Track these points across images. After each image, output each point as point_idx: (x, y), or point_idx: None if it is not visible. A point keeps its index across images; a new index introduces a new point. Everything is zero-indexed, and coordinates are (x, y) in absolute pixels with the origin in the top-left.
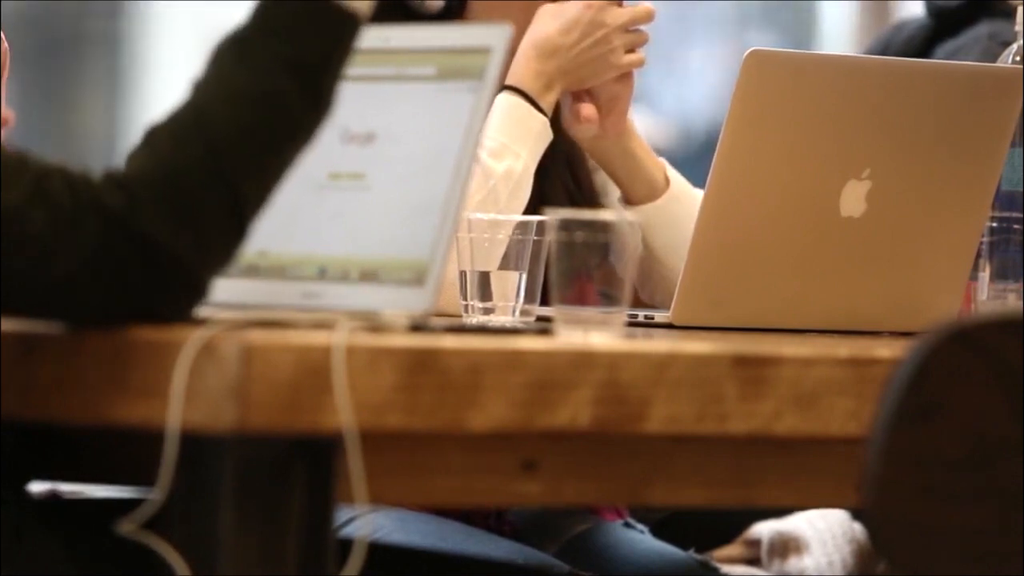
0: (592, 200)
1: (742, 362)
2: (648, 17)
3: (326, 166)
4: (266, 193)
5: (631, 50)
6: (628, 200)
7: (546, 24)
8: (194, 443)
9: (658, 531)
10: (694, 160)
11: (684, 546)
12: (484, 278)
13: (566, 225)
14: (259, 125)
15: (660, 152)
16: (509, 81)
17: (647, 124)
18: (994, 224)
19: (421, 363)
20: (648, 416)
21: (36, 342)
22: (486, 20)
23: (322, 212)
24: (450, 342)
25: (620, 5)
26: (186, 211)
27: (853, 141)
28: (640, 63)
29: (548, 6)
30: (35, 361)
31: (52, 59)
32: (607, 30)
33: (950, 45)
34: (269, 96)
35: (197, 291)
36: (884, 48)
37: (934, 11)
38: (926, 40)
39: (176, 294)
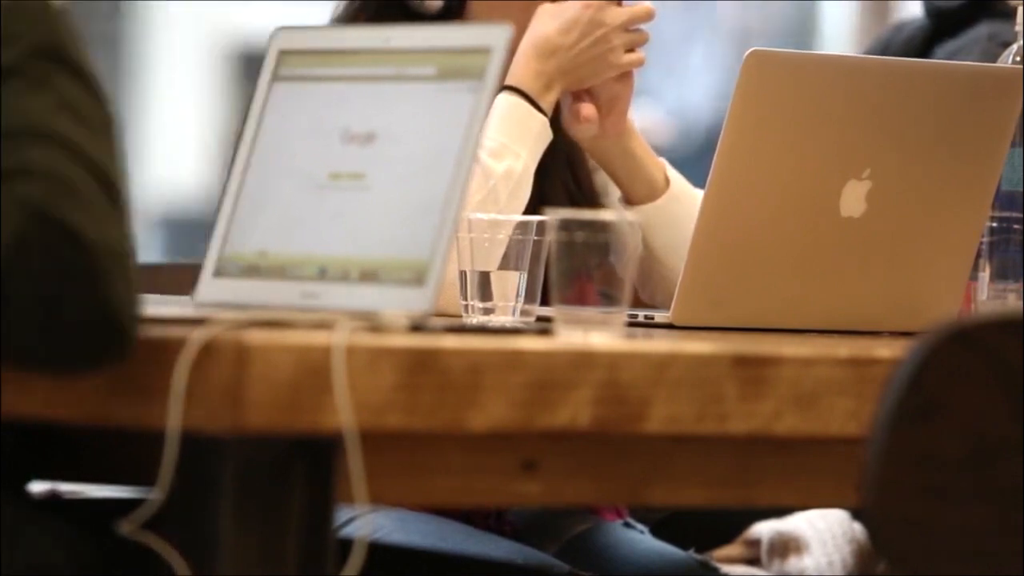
0: (592, 200)
1: (742, 362)
2: (648, 16)
3: (326, 166)
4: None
5: (631, 49)
6: (628, 200)
7: (545, 24)
8: (194, 443)
9: (658, 531)
10: (694, 160)
11: (684, 546)
12: (484, 278)
13: (566, 225)
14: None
15: (660, 151)
16: (509, 81)
17: (648, 120)
18: (994, 224)
19: (421, 363)
20: (648, 416)
21: None
22: (486, 20)
23: (322, 212)
24: (450, 342)
25: (619, 4)
26: (74, 200)
27: (853, 141)
28: (640, 63)
29: (547, 6)
30: None
31: None
32: (606, 29)
33: (950, 46)
34: None
35: (119, 277)
36: (884, 48)
37: (933, 12)
38: (926, 41)
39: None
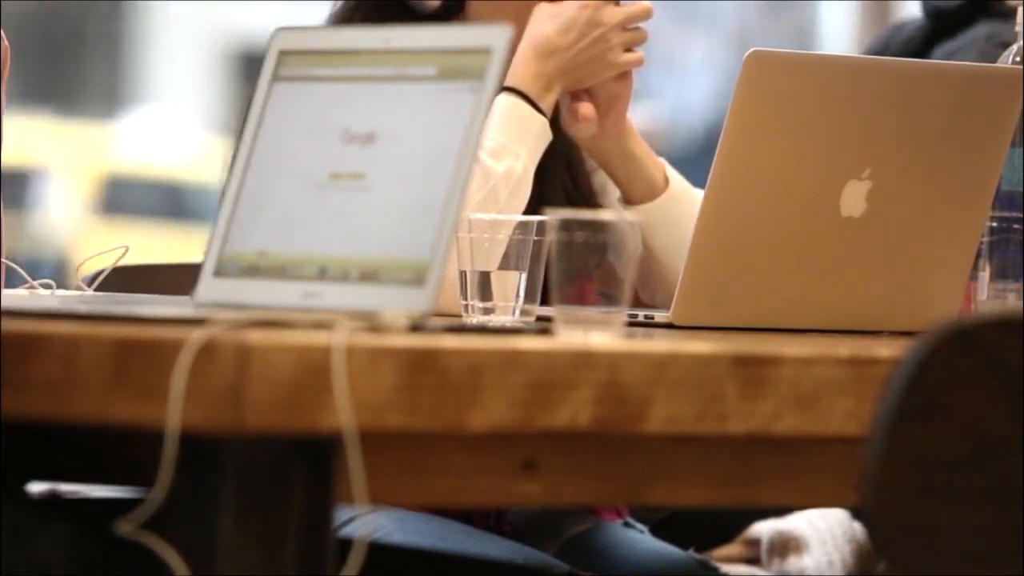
0: (590, 202)
1: (742, 362)
2: (646, 15)
3: (326, 166)
4: None
5: (629, 48)
6: (627, 200)
7: (544, 25)
8: (194, 443)
9: (658, 531)
10: (694, 160)
11: (684, 546)
12: (484, 278)
13: (566, 225)
14: None
15: (659, 152)
16: (508, 82)
17: (646, 119)
18: (994, 224)
19: (421, 363)
20: (648, 416)
21: (36, 342)
22: (485, 20)
23: (322, 212)
24: (450, 342)
25: (617, 3)
26: None
27: (853, 141)
28: (639, 62)
29: (544, 6)
30: (35, 361)
31: (53, 58)
32: (605, 29)
33: (948, 46)
34: None
35: None
36: (884, 48)
37: (932, 12)
38: (925, 41)
39: None
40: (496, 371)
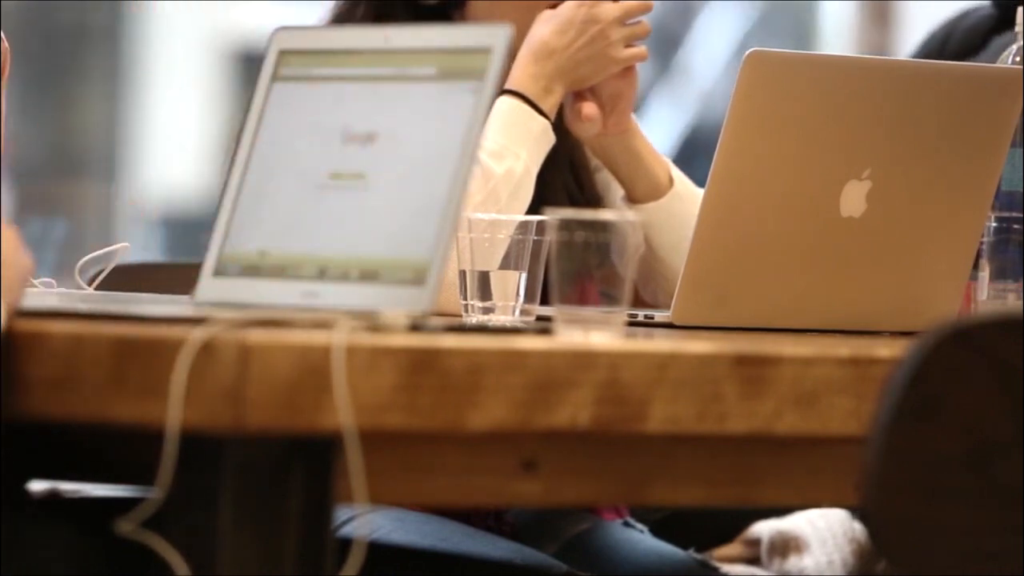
0: (593, 203)
1: (742, 362)
2: (644, 9)
3: (327, 166)
4: None
5: (631, 44)
6: (631, 198)
7: (541, 27)
8: (193, 443)
9: (658, 531)
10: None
11: (684, 546)
12: (484, 278)
13: (567, 225)
14: None
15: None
16: (508, 85)
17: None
18: (994, 224)
19: (421, 363)
20: (648, 416)
21: (36, 341)
22: (485, 20)
23: (322, 212)
24: (450, 342)
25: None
26: None
27: (853, 141)
28: (641, 57)
29: (545, 12)
30: (35, 360)
31: (53, 58)
32: (602, 25)
33: (1007, 37)
34: None
35: None
36: (948, 34)
37: (1000, 1)
38: (990, 29)
39: None
40: (496, 371)
